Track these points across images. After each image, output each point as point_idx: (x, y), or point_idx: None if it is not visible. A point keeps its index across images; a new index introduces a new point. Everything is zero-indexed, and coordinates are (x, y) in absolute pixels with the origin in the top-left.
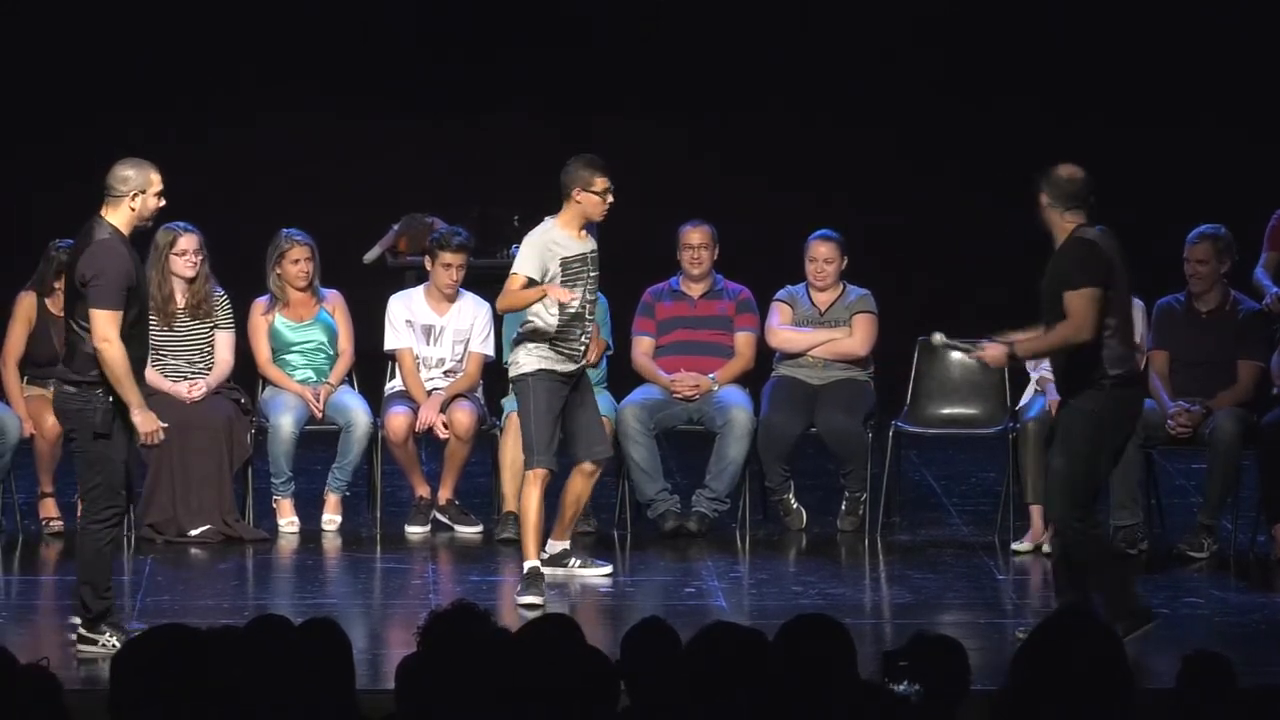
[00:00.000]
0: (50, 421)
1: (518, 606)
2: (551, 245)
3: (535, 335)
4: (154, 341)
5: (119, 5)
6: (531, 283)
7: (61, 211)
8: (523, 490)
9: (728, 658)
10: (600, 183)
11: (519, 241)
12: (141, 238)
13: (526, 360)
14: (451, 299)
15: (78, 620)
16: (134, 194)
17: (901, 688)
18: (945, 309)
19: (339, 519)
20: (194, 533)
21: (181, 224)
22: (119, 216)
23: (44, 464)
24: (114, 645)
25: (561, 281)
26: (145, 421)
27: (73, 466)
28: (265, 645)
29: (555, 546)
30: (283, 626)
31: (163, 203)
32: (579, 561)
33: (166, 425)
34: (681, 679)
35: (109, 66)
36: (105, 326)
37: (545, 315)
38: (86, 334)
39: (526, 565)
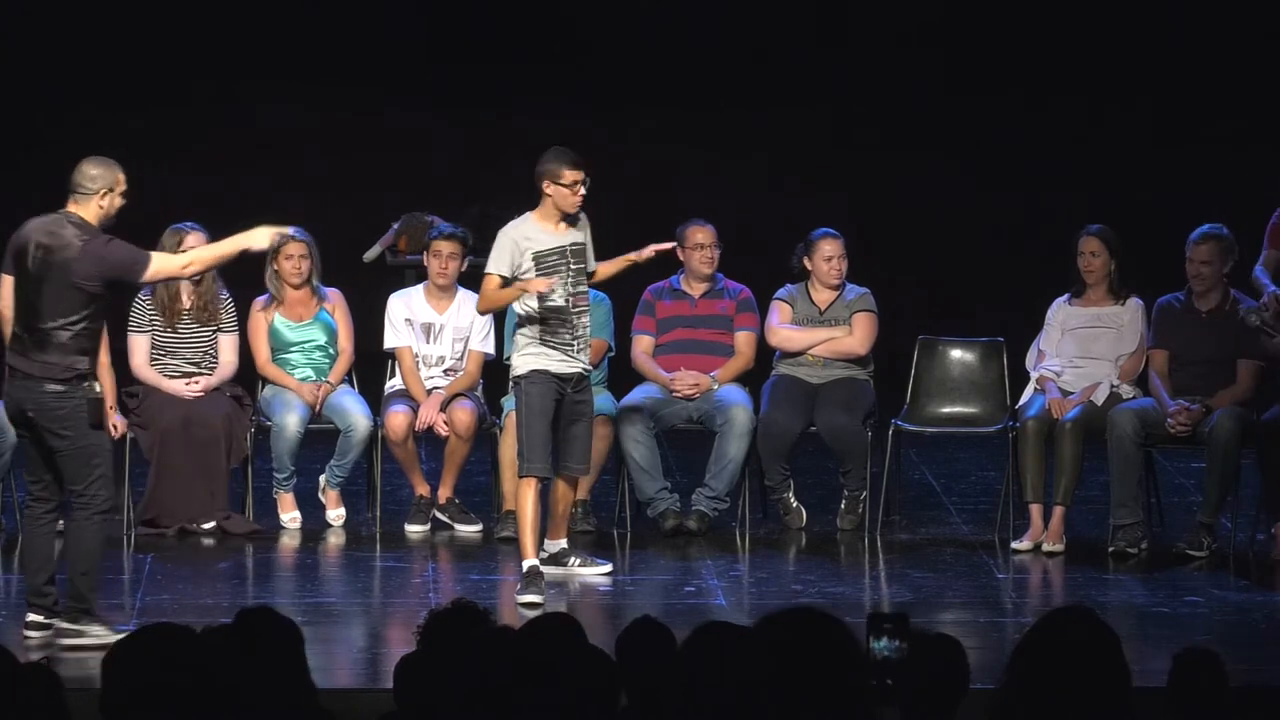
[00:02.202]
0: None
1: (518, 605)
2: (521, 240)
3: (526, 327)
4: (158, 342)
5: (119, 5)
6: (505, 281)
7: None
8: (517, 492)
9: (723, 657)
10: (569, 175)
11: None
12: (141, 239)
13: (520, 362)
14: (446, 290)
15: (39, 618)
16: (103, 192)
17: (881, 644)
18: (945, 309)
19: (343, 512)
20: (193, 527)
21: (190, 224)
22: (88, 213)
23: None
24: (100, 635)
25: (536, 275)
26: (260, 237)
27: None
28: (259, 640)
29: (554, 545)
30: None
31: (124, 202)
32: (578, 560)
33: None
34: (677, 679)
35: (108, 66)
36: (163, 262)
37: (529, 305)
38: (70, 329)
39: (525, 564)
